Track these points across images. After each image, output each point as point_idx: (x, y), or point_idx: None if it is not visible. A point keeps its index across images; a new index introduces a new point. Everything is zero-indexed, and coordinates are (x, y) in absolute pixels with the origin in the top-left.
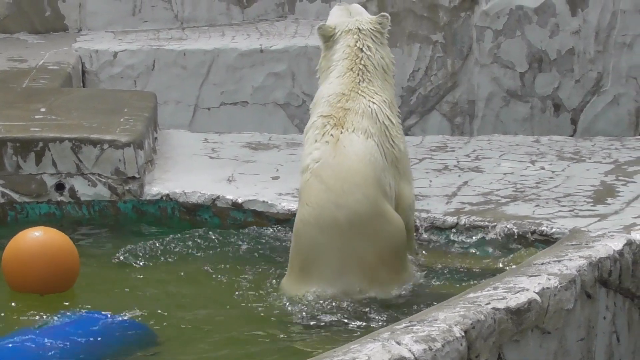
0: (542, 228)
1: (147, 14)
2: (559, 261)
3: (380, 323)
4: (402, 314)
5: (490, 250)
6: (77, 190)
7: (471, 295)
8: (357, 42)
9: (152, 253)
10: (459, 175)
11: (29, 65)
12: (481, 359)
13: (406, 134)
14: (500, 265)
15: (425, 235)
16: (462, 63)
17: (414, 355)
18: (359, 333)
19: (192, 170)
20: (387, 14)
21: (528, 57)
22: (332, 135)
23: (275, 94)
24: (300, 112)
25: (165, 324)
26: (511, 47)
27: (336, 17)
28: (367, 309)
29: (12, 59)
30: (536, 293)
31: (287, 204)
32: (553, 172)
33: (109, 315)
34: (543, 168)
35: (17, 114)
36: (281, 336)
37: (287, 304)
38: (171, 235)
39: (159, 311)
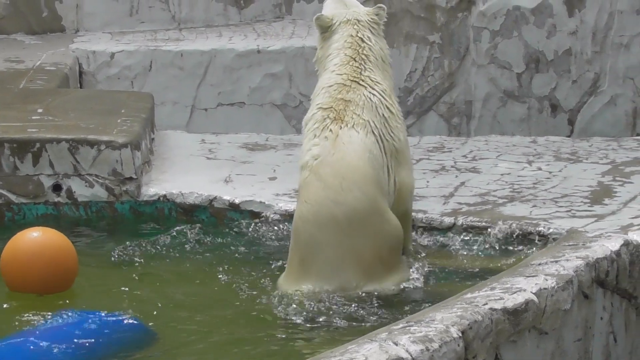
0: (540, 228)
1: (144, 15)
2: (556, 262)
3: (377, 323)
4: (399, 314)
5: (488, 250)
6: (75, 191)
7: (468, 295)
8: (357, 32)
9: (150, 253)
10: (456, 176)
11: (26, 66)
12: (478, 359)
13: None
14: (498, 265)
15: (422, 236)
16: (459, 64)
17: (411, 356)
18: (356, 333)
19: (189, 171)
20: (383, 5)
21: (525, 57)
22: (331, 130)
23: (273, 95)
24: (298, 113)
25: (164, 323)
26: (508, 48)
27: (332, 9)
28: (364, 309)
29: (9, 59)
30: (533, 293)
31: (284, 205)
32: (550, 172)
33: (108, 315)
34: (540, 169)
35: (14, 115)
36: (278, 336)
37: (285, 303)
38: (169, 235)
39: (158, 310)
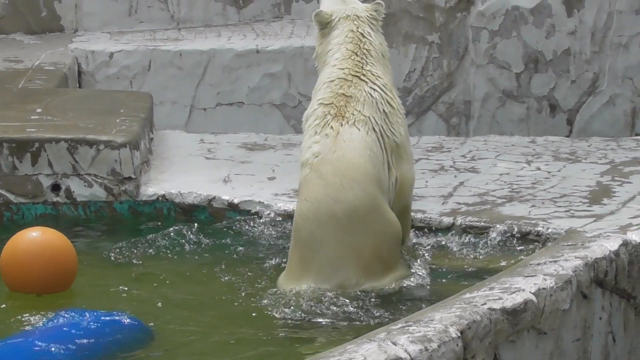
0: (538, 228)
1: (143, 15)
2: (555, 261)
3: (376, 323)
4: (398, 314)
5: (486, 250)
6: (73, 191)
7: (467, 295)
8: (358, 27)
9: (149, 253)
10: (455, 176)
11: (25, 65)
12: (477, 359)
13: None
14: (496, 265)
15: (421, 236)
16: (458, 64)
17: (410, 356)
18: (355, 333)
19: (188, 170)
20: (381, 1)
21: (524, 57)
22: (332, 127)
23: (271, 95)
24: (296, 113)
25: (163, 322)
26: (507, 48)
27: (330, 5)
28: (363, 309)
29: (8, 59)
30: (532, 293)
31: (283, 205)
32: (549, 172)
33: (107, 315)
34: (539, 168)
35: (13, 115)
36: (277, 336)
37: (284, 303)
38: (168, 235)
39: (157, 310)
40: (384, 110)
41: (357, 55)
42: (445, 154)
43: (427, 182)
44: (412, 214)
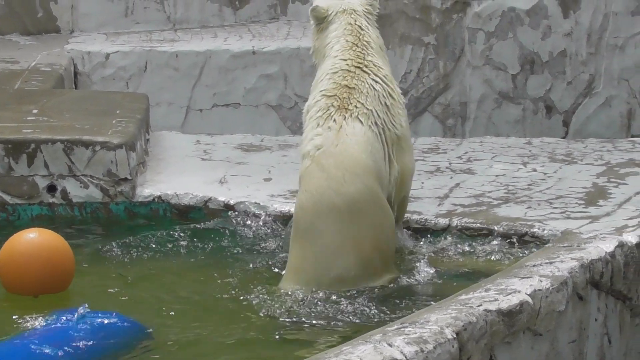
0: (534, 230)
1: (139, 16)
2: (551, 263)
3: (372, 324)
4: (394, 315)
5: (482, 252)
6: (69, 192)
7: (463, 296)
8: (355, 21)
9: (144, 254)
10: (451, 177)
11: (21, 66)
12: None
13: None
14: (492, 266)
15: (416, 237)
16: (454, 65)
17: (405, 357)
18: (351, 334)
19: (184, 171)
20: None
21: (520, 59)
22: (335, 120)
23: (268, 96)
24: (293, 114)
25: (160, 323)
26: (503, 49)
27: (326, 0)
28: (359, 310)
29: (4, 60)
30: (528, 295)
31: (279, 206)
32: (545, 173)
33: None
34: (535, 170)
35: (9, 116)
36: (273, 337)
37: (280, 303)
38: (164, 236)
39: (154, 311)
40: (385, 103)
41: (357, 47)
42: (441, 155)
43: (423, 183)
44: (408, 215)
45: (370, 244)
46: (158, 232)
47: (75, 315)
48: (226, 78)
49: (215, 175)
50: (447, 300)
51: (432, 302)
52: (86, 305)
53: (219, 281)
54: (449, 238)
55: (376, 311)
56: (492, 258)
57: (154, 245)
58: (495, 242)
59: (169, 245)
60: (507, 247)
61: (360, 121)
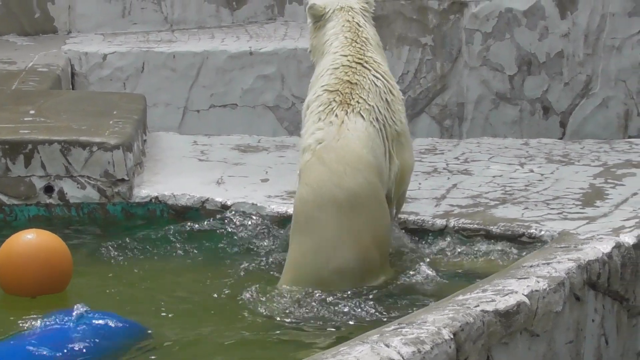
0: (531, 230)
1: (136, 16)
2: (548, 264)
3: (369, 324)
4: (391, 315)
5: (479, 252)
6: (66, 193)
7: (460, 297)
8: (353, 18)
9: (141, 254)
10: (448, 178)
11: (18, 67)
12: None
13: None
14: (489, 267)
15: (413, 238)
16: (452, 66)
17: (402, 358)
18: (348, 335)
19: (181, 172)
20: None
21: (517, 59)
22: (336, 115)
23: (265, 97)
24: (290, 115)
25: (158, 323)
26: (500, 50)
27: None
28: (356, 311)
29: (1, 61)
30: (525, 295)
31: (276, 207)
32: (542, 174)
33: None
34: (532, 171)
35: (6, 116)
36: (270, 337)
37: (277, 304)
38: (161, 236)
39: (152, 311)
40: (386, 99)
41: (357, 43)
42: (439, 156)
43: (420, 184)
44: (405, 216)
45: (369, 238)
46: (155, 233)
47: (74, 316)
48: (223, 79)
49: (213, 176)
50: (445, 301)
51: (429, 303)
52: (84, 306)
53: (216, 281)
54: (446, 239)
55: (373, 312)
56: (489, 259)
57: (151, 246)
58: (492, 243)
59: (167, 246)
60: (504, 248)
61: (362, 117)
